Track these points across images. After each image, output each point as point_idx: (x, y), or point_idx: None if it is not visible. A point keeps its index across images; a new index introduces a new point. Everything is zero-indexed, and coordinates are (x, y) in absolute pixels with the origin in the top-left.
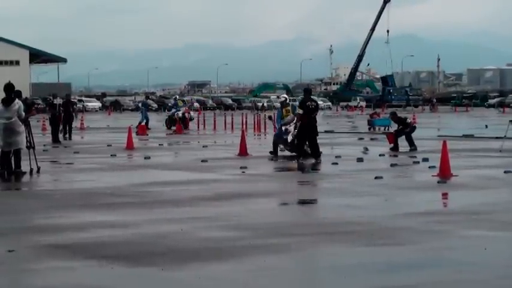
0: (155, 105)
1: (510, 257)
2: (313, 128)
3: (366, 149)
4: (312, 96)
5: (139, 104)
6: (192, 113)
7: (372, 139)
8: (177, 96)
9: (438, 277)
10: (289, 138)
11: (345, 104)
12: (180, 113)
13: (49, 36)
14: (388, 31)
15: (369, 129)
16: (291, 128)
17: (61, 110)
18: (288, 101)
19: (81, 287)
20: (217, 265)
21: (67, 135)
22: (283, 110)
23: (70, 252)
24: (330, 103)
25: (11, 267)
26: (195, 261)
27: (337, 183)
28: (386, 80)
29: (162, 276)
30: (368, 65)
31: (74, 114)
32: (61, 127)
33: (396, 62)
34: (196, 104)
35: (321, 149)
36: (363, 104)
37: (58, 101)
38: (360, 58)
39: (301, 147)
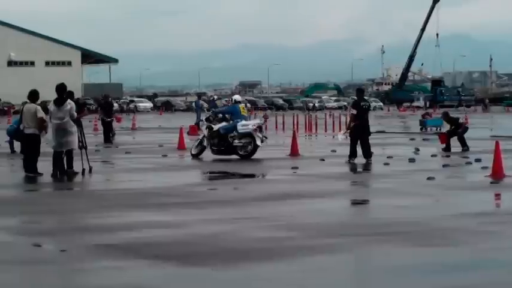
0: (206, 105)
1: None
2: (365, 128)
3: (417, 149)
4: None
5: (193, 104)
6: None
7: (424, 139)
8: (215, 97)
9: (492, 278)
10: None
11: (407, 104)
12: None
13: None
14: (437, 34)
15: (421, 129)
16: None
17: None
18: (233, 101)
19: (133, 287)
20: (268, 265)
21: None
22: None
23: (121, 252)
24: (381, 103)
25: (63, 266)
26: (246, 261)
27: (389, 183)
28: (438, 81)
29: (213, 276)
30: (422, 64)
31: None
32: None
33: (448, 62)
34: (248, 105)
35: (372, 149)
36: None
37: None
38: (411, 58)
39: (353, 147)
